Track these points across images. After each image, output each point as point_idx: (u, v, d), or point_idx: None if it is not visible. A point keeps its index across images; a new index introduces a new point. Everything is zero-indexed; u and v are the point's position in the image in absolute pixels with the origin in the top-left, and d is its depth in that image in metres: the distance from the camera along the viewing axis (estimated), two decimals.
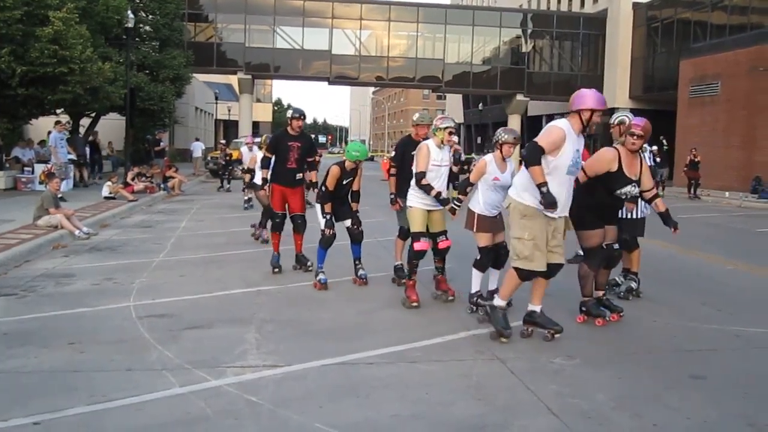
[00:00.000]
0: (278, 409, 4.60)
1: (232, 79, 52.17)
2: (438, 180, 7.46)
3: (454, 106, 70.40)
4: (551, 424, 4.47)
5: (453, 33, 45.21)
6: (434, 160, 7.39)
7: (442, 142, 7.46)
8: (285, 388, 4.99)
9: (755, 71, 29.05)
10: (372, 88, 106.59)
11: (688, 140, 33.08)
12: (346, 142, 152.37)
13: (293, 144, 9.13)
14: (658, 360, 5.92)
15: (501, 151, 7.19)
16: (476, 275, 7.38)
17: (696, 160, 28.34)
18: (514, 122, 46.12)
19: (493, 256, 7.36)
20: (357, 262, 8.66)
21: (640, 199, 7.31)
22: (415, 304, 7.41)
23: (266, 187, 10.91)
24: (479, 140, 64.16)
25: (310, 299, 7.85)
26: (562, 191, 6.12)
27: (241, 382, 5.08)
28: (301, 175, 9.22)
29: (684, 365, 5.74)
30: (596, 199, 6.88)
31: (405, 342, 6.16)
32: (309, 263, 9.33)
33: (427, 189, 7.34)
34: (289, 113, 9.24)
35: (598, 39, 46.33)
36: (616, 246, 7.16)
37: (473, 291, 7.39)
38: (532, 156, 6.02)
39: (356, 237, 8.54)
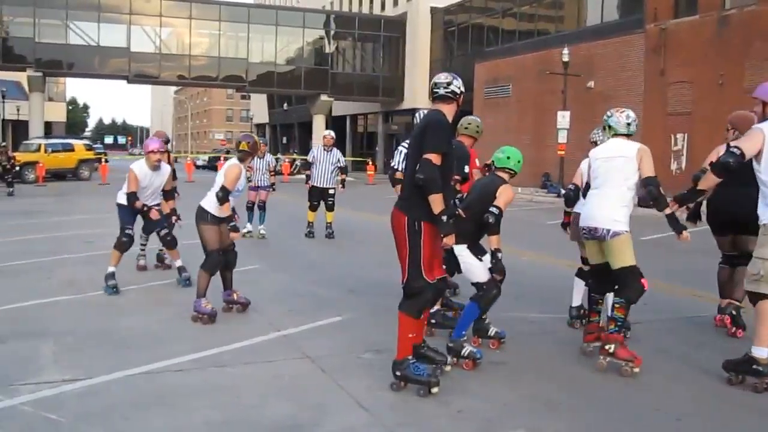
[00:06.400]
0: (80, 424, 4.37)
1: (21, 76, 48.55)
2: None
3: (258, 106, 69.91)
4: (362, 419, 4.56)
5: (256, 32, 44.83)
6: None
7: None
8: (87, 403, 4.74)
9: (542, 74, 31.14)
10: (174, 88, 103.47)
11: (484, 139, 34.69)
12: None
13: None
14: None
15: None
16: (581, 285, 6.91)
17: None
18: (319, 122, 46.40)
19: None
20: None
21: None
22: (638, 369, 5.53)
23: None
24: (285, 140, 64.19)
25: (109, 308, 7.48)
26: None
27: (38, 399, 4.76)
28: None
29: (485, 352, 5.96)
30: None
31: (213, 346, 6.04)
32: None
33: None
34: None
35: (398, 41, 47.72)
36: None
37: (575, 304, 7.02)
38: None
39: None
